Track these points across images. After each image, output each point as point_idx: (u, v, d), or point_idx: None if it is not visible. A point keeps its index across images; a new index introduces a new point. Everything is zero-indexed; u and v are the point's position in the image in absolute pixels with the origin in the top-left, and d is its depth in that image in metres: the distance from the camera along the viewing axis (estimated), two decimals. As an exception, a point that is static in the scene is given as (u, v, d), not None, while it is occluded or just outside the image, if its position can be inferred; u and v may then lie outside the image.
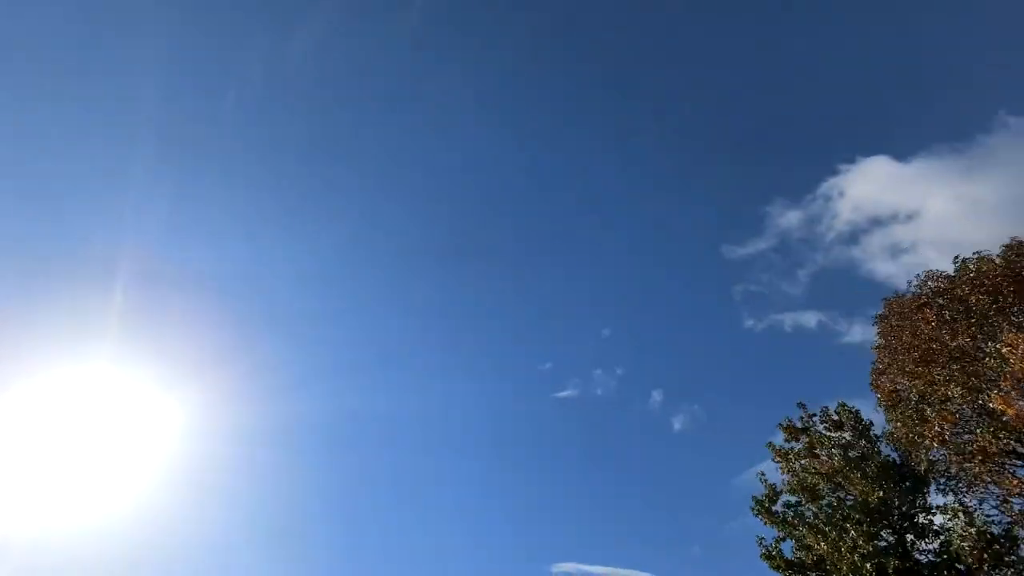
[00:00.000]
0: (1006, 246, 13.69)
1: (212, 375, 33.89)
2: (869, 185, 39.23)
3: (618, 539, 34.69)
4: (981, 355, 12.64)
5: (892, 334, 14.61)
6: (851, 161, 39.99)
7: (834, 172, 40.82)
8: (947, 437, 12.94)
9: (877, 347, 15.23)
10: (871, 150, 44.26)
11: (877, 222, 38.23)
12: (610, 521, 36.97)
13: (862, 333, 37.84)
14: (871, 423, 14.61)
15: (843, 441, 14.45)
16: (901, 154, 43.04)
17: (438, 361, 43.59)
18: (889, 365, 14.43)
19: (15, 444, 29.23)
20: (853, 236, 38.93)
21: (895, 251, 37.56)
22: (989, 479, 12.97)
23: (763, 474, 14.86)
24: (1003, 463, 12.86)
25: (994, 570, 12.22)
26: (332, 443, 39.60)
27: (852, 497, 13.57)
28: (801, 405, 15.33)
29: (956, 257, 14.04)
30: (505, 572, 34.57)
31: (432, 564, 34.38)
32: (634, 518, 36.79)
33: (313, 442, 39.58)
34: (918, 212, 38.23)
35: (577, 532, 36.06)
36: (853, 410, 14.78)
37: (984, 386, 12.53)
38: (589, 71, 45.56)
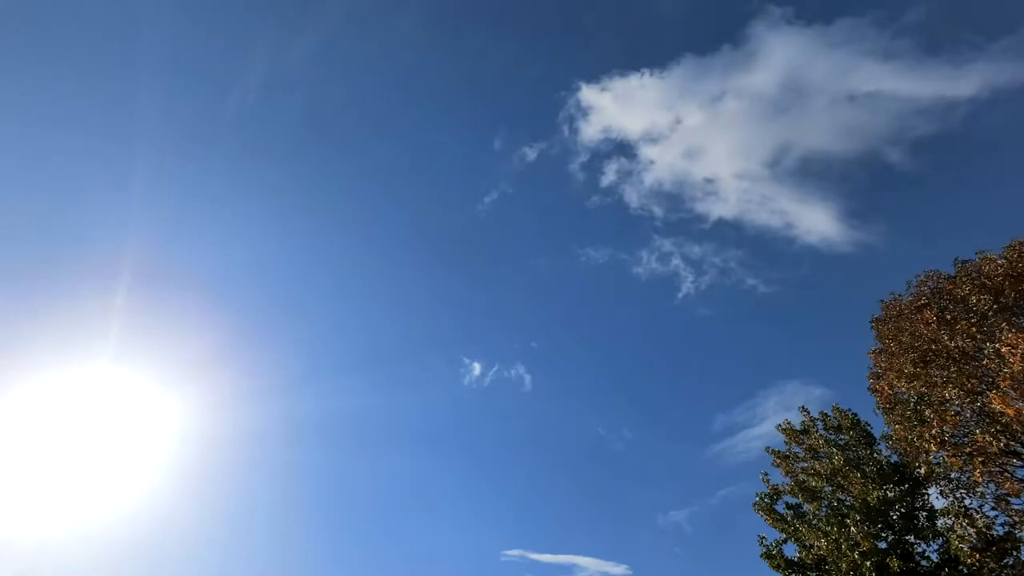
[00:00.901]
0: (1008, 247, 13.61)
1: (214, 375, 34.06)
2: (615, 108, 35.95)
3: (563, 528, 35.38)
4: (980, 356, 12.56)
5: (890, 336, 14.53)
6: (594, 84, 36.63)
7: (574, 98, 36.98)
8: (946, 438, 12.87)
9: (875, 351, 15.16)
10: (616, 68, 40.60)
11: (626, 145, 35.35)
12: (555, 511, 37.53)
13: (651, 262, 36.49)
14: (869, 425, 14.68)
15: (842, 442, 14.47)
16: (650, 68, 39.91)
17: (431, 362, 43.85)
18: (887, 368, 14.35)
19: (18, 445, 29.39)
20: (599, 163, 36.05)
21: (651, 170, 34.78)
22: (989, 480, 12.90)
23: (766, 474, 14.94)
24: (1003, 464, 12.79)
25: (994, 572, 12.18)
26: (331, 443, 39.88)
27: (852, 497, 13.58)
28: (803, 409, 15.39)
29: (955, 259, 14.00)
30: (457, 559, 35.41)
31: (392, 553, 35.06)
32: (579, 508, 37.36)
33: (312, 442, 39.84)
34: (673, 125, 35.03)
35: (524, 521, 36.75)
36: (852, 414, 14.88)
37: (983, 387, 12.47)
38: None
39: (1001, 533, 12.39)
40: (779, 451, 15.09)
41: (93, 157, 36.27)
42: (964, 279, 13.64)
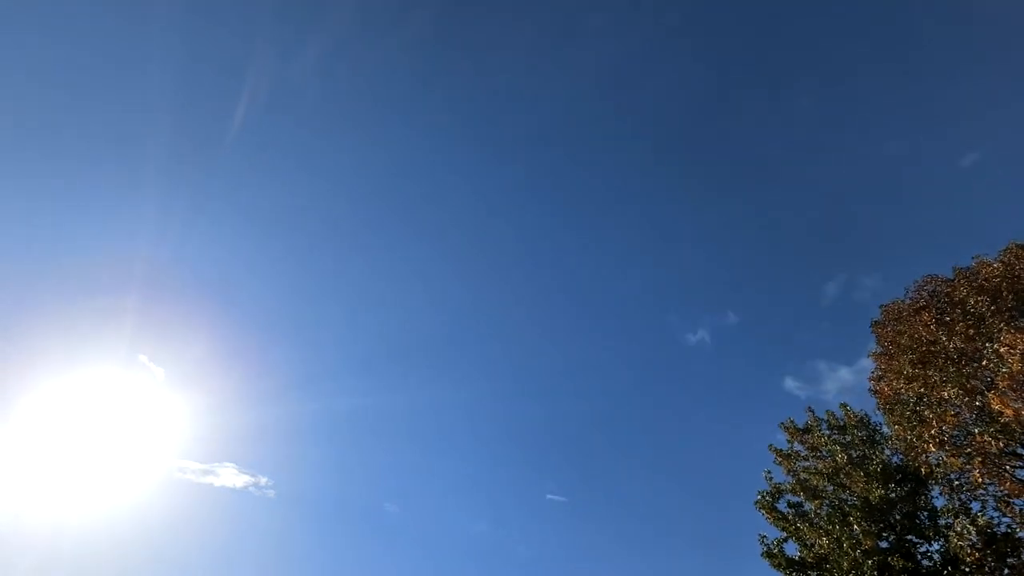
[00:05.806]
0: (1005, 250, 13.84)
1: (219, 377, 34.66)
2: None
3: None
4: (979, 356, 12.75)
5: (889, 339, 14.74)
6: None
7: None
8: (945, 439, 13.03)
9: (875, 353, 15.35)
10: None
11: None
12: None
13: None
14: (878, 425, 14.74)
15: (845, 441, 14.58)
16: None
17: (433, 363, 44.27)
18: (887, 370, 14.55)
19: (32, 445, 30.05)
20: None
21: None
22: (989, 480, 13.02)
23: (769, 472, 15.05)
24: (1003, 464, 12.91)
25: (995, 571, 12.24)
26: (333, 442, 40.34)
27: (854, 496, 13.67)
28: (809, 409, 15.54)
29: (954, 268, 14.28)
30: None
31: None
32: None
33: (315, 441, 40.33)
34: None
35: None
36: (859, 413, 14.99)
37: (982, 387, 12.64)
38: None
39: (1002, 533, 12.46)
40: (781, 449, 15.21)
41: (103, 161, 36.97)
42: (962, 282, 13.88)
